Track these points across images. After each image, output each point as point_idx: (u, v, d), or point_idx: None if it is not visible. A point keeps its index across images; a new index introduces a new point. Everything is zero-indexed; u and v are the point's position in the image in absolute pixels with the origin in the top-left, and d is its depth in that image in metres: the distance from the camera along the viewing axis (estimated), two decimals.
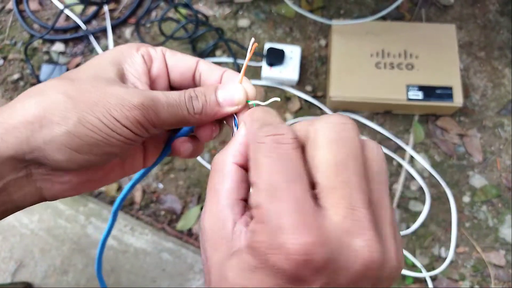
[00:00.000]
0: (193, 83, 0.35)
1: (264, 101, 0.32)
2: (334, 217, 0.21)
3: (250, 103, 0.33)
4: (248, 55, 0.32)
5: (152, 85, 0.34)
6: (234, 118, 0.33)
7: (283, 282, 0.21)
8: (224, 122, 0.35)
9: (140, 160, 0.36)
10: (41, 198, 0.31)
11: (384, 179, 0.24)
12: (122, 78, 0.32)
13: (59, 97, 0.28)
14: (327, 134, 0.23)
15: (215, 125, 0.34)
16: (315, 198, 0.22)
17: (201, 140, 0.35)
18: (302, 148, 0.24)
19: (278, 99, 0.33)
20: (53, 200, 0.33)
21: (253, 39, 0.33)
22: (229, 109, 0.32)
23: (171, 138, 0.36)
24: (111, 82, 0.30)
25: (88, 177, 0.32)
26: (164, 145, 0.37)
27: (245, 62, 0.32)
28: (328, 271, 0.21)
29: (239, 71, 0.91)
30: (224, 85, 0.33)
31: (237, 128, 0.32)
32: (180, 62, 0.34)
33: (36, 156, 0.28)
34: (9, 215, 0.31)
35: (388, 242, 0.23)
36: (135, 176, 0.38)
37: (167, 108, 0.30)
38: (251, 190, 0.25)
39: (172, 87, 0.35)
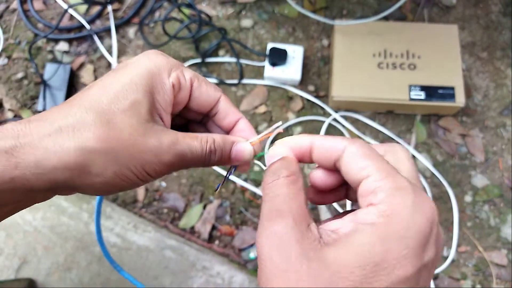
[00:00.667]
0: (207, 113, 0.37)
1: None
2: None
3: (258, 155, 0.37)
4: (267, 133, 0.36)
5: (172, 110, 0.35)
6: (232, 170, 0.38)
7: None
8: None
9: None
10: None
11: None
12: (152, 113, 0.32)
13: (98, 146, 0.29)
14: (405, 155, 0.31)
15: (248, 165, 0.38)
16: None
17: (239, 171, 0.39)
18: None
19: (281, 130, 0.36)
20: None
21: (280, 122, 0.38)
22: (236, 163, 0.36)
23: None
24: (145, 127, 0.31)
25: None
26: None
27: (262, 135, 0.36)
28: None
29: (241, 71, 0.91)
30: (238, 144, 0.35)
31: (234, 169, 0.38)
32: (204, 95, 0.36)
33: (69, 191, 0.32)
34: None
35: None
36: None
37: (189, 161, 0.33)
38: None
39: (185, 107, 0.37)
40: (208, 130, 0.39)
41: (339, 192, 0.33)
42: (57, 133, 0.29)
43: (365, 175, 0.27)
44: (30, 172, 0.28)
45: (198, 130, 0.39)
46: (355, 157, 0.28)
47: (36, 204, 0.33)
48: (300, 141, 0.31)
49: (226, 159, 0.35)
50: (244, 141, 0.36)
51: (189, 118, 0.39)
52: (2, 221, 0.32)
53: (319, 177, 0.32)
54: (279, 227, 0.26)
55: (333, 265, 0.24)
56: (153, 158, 0.31)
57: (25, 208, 0.32)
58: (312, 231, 0.26)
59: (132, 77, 0.32)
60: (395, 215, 0.25)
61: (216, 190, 0.39)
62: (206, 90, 0.36)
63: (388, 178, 0.26)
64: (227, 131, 0.38)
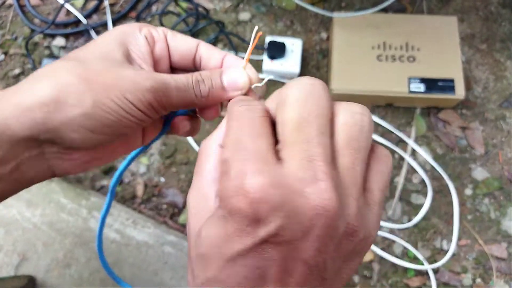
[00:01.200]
0: (194, 65, 0.36)
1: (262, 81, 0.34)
2: (291, 167, 0.23)
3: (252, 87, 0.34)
4: (252, 43, 0.33)
5: (155, 66, 0.34)
6: None
7: (244, 224, 0.22)
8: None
9: (139, 138, 0.37)
10: (51, 175, 0.33)
11: (360, 146, 0.25)
12: (128, 59, 0.32)
13: (73, 79, 0.29)
14: (295, 94, 0.25)
15: (218, 106, 0.36)
16: (277, 153, 0.24)
17: (205, 119, 0.36)
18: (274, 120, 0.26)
19: (272, 76, 0.34)
20: (62, 176, 0.34)
21: (256, 27, 0.34)
22: (234, 93, 0.33)
23: (171, 117, 0.37)
24: (121, 64, 0.31)
25: (96, 155, 0.33)
26: (164, 123, 0.38)
27: (248, 50, 0.33)
28: (283, 213, 0.22)
29: None
30: (228, 70, 0.34)
31: None
32: (181, 44, 0.35)
33: (51, 136, 0.29)
34: (20, 191, 0.32)
35: (349, 200, 0.23)
36: (135, 150, 0.38)
37: (176, 92, 0.32)
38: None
39: (172, 68, 0.36)
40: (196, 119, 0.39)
41: None
42: (34, 78, 0.30)
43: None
44: (8, 111, 0.28)
45: (185, 118, 0.39)
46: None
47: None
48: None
49: (219, 89, 0.33)
50: (233, 67, 0.34)
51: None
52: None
53: None
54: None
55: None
56: (132, 84, 0.30)
57: (10, 168, 0.30)
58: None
59: (104, 38, 0.33)
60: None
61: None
62: (182, 39, 0.35)
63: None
64: None
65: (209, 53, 0.35)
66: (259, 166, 0.22)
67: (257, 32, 0.33)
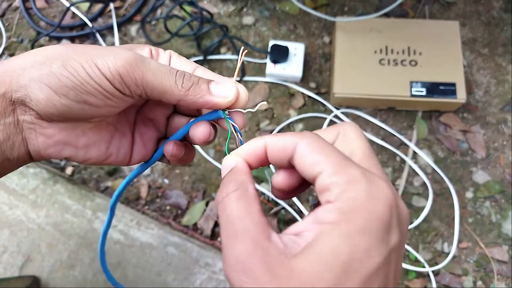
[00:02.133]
0: None
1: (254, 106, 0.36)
2: (384, 184, 0.27)
3: (244, 111, 0.34)
4: (239, 60, 0.34)
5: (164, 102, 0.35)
6: (229, 120, 0.34)
7: (383, 233, 0.26)
8: (218, 125, 0.36)
9: (126, 150, 0.37)
10: (27, 153, 0.33)
11: None
12: None
13: (57, 49, 0.31)
14: (358, 131, 0.30)
15: (210, 127, 0.35)
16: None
17: (195, 142, 0.36)
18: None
19: (265, 102, 0.35)
20: (38, 161, 0.34)
21: (242, 48, 0.35)
22: (219, 99, 0.33)
23: (163, 140, 0.38)
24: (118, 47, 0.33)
25: (69, 139, 0.33)
26: (156, 147, 0.38)
27: (238, 65, 0.34)
28: (401, 225, 0.27)
29: (243, 70, 0.92)
30: (217, 82, 0.34)
31: (240, 135, 0.34)
32: (181, 65, 0.36)
33: (21, 95, 0.30)
34: (0, 175, 0.33)
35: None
36: (131, 173, 0.39)
37: (154, 71, 0.31)
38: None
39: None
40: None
41: (305, 184, 0.31)
42: (26, 53, 0.32)
43: (318, 171, 0.26)
44: None
45: (183, 119, 0.39)
46: (306, 152, 0.27)
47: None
48: (253, 146, 0.30)
49: (204, 90, 0.33)
50: (223, 79, 0.34)
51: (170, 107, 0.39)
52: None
53: (281, 180, 0.30)
54: (239, 251, 0.25)
55: (302, 275, 0.23)
56: (108, 52, 0.30)
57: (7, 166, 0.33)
58: (275, 243, 0.25)
59: (111, 46, 0.35)
60: (353, 211, 0.25)
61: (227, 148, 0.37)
62: (184, 62, 0.36)
63: (340, 171, 0.26)
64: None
65: (203, 75, 0.35)
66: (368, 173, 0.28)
67: (243, 51, 0.34)
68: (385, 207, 0.25)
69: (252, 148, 0.30)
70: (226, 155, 0.32)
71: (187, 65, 0.36)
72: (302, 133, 0.28)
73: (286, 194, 0.31)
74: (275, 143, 0.29)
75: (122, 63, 0.30)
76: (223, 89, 0.33)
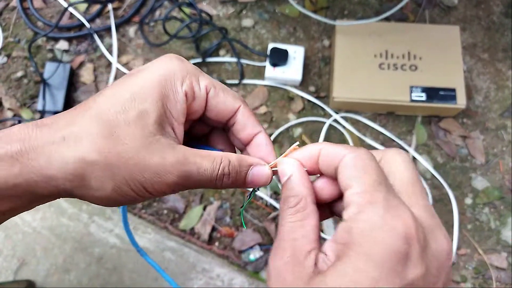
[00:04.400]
0: (226, 124, 0.35)
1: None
2: (422, 214, 0.27)
3: (271, 164, 0.34)
4: (287, 152, 0.33)
5: (186, 119, 0.33)
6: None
7: (398, 265, 0.25)
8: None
9: None
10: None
11: None
12: (161, 122, 0.31)
13: (98, 159, 0.29)
14: (406, 158, 0.30)
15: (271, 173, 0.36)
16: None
17: (253, 185, 0.36)
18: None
19: (297, 143, 0.34)
20: None
21: (297, 143, 0.34)
22: (250, 187, 0.34)
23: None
24: (150, 143, 0.30)
25: None
26: None
27: (280, 158, 0.33)
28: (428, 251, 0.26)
29: (242, 71, 0.91)
30: (256, 168, 0.33)
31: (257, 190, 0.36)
32: (221, 105, 0.34)
33: (70, 197, 0.31)
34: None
35: None
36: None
37: (196, 182, 0.32)
38: None
39: (203, 116, 0.35)
40: (229, 140, 0.37)
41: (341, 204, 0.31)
42: (60, 141, 0.29)
43: (349, 185, 0.27)
44: (32, 179, 0.29)
45: (220, 139, 0.37)
46: (348, 165, 0.28)
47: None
48: (309, 151, 0.31)
49: (241, 183, 0.33)
50: (262, 164, 0.33)
51: (210, 125, 0.37)
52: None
53: (320, 186, 0.31)
54: (278, 261, 0.27)
55: None
56: (154, 176, 0.30)
57: (27, 210, 0.32)
58: (309, 260, 0.27)
59: (143, 85, 0.31)
60: (362, 234, 0.25)
61: (242, 217, 0.37)
62: (223, 100, 0.34)
63: (366, 192, 0.26)
64: (245, 144, 0.36)
65: (244, 123, 0.34)
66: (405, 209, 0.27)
67: (297, 144, 0.33)
68: (400, 237, 0.24)
69: (308, 154, 0.31)
70: (241, 214, 0.36)
71: (227, 105, 0.34)
72: (357, 147, 0.29)
73: (324, 204, 0.32)
74: (328, 151, 0.30)
75: (168, 189, 0.31)
76: (258, 180, 0.33)
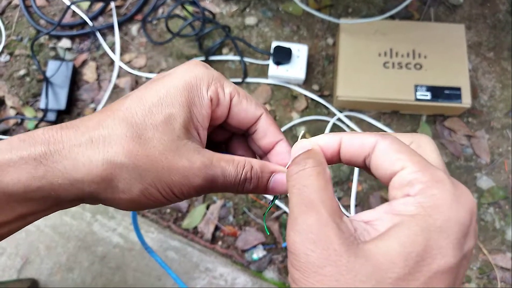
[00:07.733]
0: (247, 131, 0.36)
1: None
2: (450, 186, 0.26)
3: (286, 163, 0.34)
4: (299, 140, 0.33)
5: (209, 125, 0.34)
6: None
7: (461, 236, 0.26)
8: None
9: None
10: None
11: None
12: (187, 126, 0.31)
13: (126, 161, 0.29)
14: (434, 146, 0.30)
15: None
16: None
17: (273, 192, 0.37)
18: None
19: (303, 132, 0.34)
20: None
21: (303, 131, 0.34)
22: (271, 194, 0.34)
23: None
24: (178, 147, 0.31)
25: None
26: None
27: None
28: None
29: (245, 69, 0.90)
30: (278, 174, 0.34)
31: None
32: (243, 112, 0.34)
33: (94, 201, 0.31)
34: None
35: None
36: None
37: (220, 186, 0.32)
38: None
39: (221, 124, 0.36)
40: (249, 146, 0.38)
41: None
42: (88, 144, 0.29)
43: (400, 167, 0.26)
44: (57, 182, 0.29)
45: (240, 145, 0.38)
46: (388, 151, 0.27)
47: None
48: (328, 140, 0.30)
49: (262, 189, 0.33)
50: (284, 172, 0.33)
51: (230, 131, 0.38)
52: None
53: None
54: (313, 220, 0.25)
55: (375, 258, 0.23)
56: (182, 179, 0.30)
57: (49, 214, 0.32)
58: (347, 224, 0.25)
59: (169, 89, 0.31)
60: (435, 207, 0.25)
61: (265, 223, 0.37)
62: (245, 107, 0.34)
63: (425, 170, 0.26)
64: (266, 151, 0.36)
65: (266, 130, 0.35)
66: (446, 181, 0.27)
67: (303, 133, 0.34)
68: (467, 212, 0.25)
69: (327, 141, 0.30)
70: (264, 220, 0.35)
71: (249, 113, 0.34)
72: (383, 133, 0.29)
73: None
74: (352, 140, 0.29)
75: (195, 191, 0.31)
76: (281, 187, 0.33)
